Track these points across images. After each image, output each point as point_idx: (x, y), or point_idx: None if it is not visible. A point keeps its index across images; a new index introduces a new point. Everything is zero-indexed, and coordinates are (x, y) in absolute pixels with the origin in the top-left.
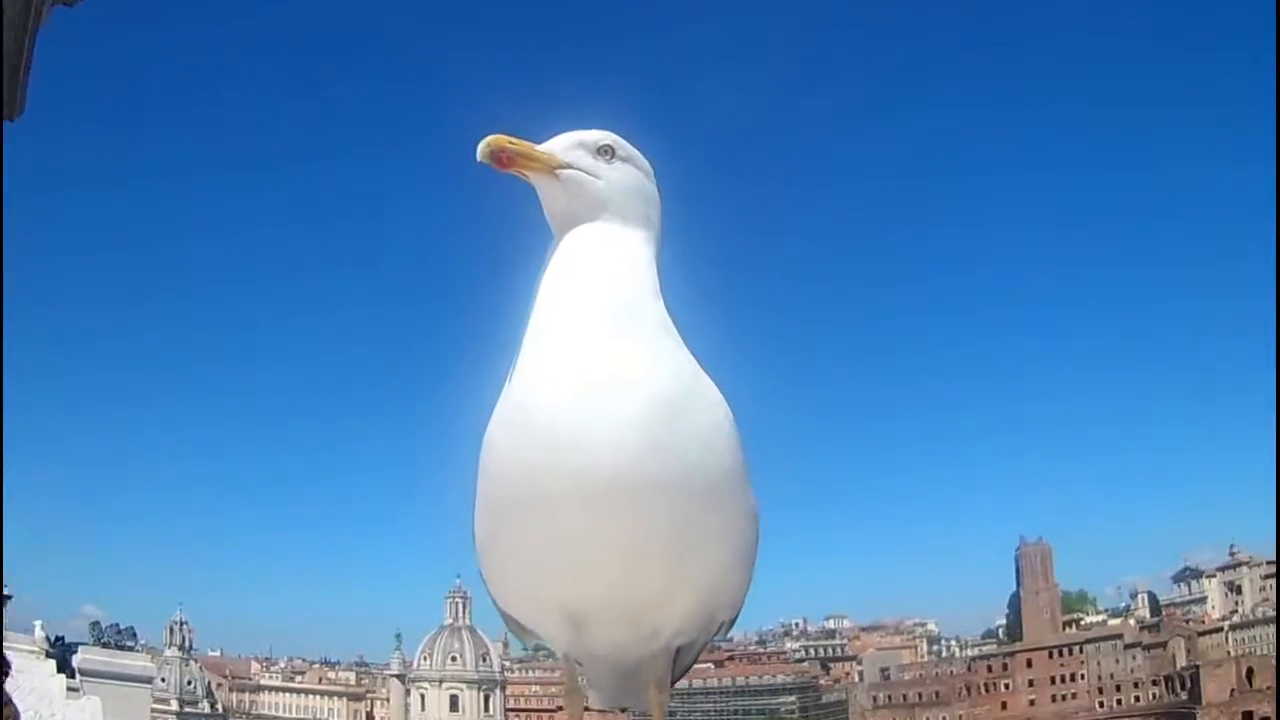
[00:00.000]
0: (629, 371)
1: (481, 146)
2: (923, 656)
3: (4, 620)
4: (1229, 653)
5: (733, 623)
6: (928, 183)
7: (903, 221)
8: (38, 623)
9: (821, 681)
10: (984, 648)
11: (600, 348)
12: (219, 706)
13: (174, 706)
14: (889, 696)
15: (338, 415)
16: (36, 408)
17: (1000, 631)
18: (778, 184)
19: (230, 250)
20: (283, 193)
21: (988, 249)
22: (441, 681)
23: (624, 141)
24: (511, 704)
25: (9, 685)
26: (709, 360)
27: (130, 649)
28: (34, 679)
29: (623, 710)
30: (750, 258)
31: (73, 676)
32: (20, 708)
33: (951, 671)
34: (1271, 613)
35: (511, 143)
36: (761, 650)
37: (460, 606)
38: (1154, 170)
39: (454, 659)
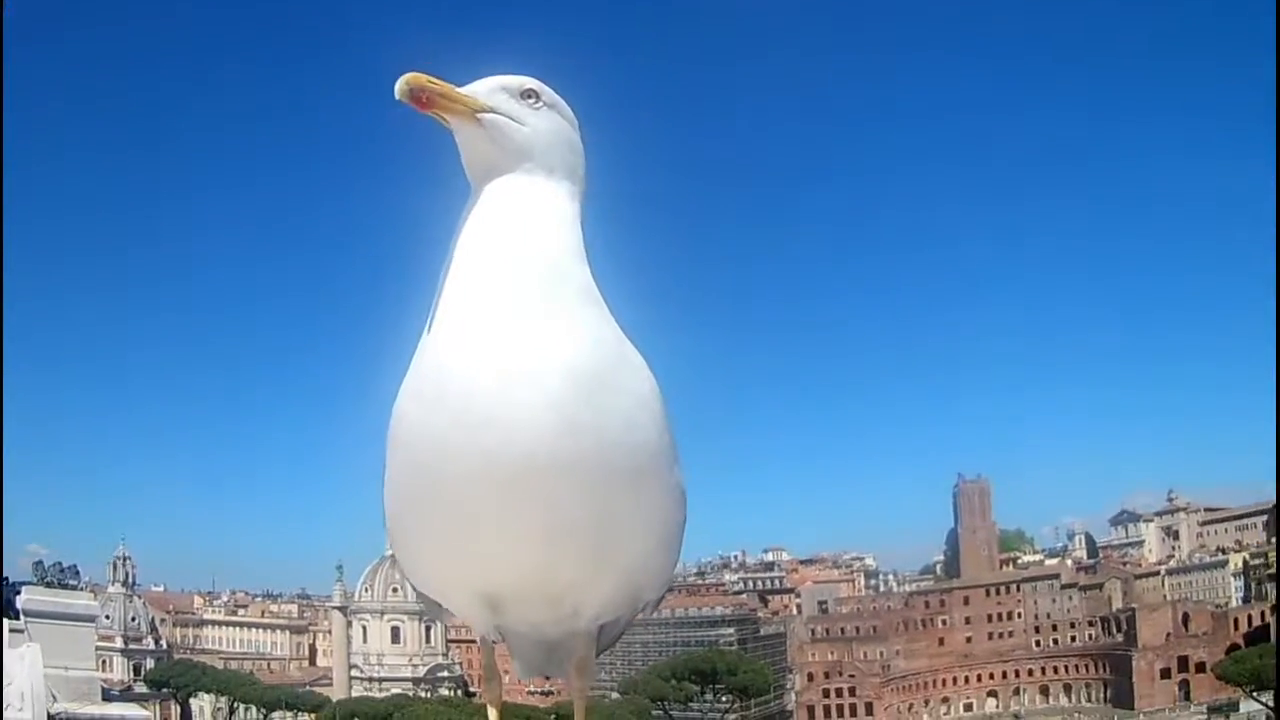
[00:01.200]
0: (549, 344)
1: (400, 84)
2: (860, 591)
3: None
4: (1165, 597)
5: (659, 601)
6: (873, 118)
7: (847, 155)
8: None
9: (760, 614)
10: (922, 583)
11: (519, 317)
12: (163, 642)
13: (118, 644)
14: (826, 630)
15: (272, 346)
16: None
17: (938, 568)
18: (707, 121)
19: (174, 190)
20: (218, 134)
21: (933, 186)
22: (383, 613)
23: (548, 88)
24: (453, 635)
25: None
26: (638, 316)
27: (74, 587)
28: None
29: (546, 679)
30: (681, 191)
31: (17, 618)
32: None
33: (889, 606)
34: (1208, 559)
35: (431, 82)
36: (700, 582)
37: None
38: (1115, 113)
39: (395, 590)
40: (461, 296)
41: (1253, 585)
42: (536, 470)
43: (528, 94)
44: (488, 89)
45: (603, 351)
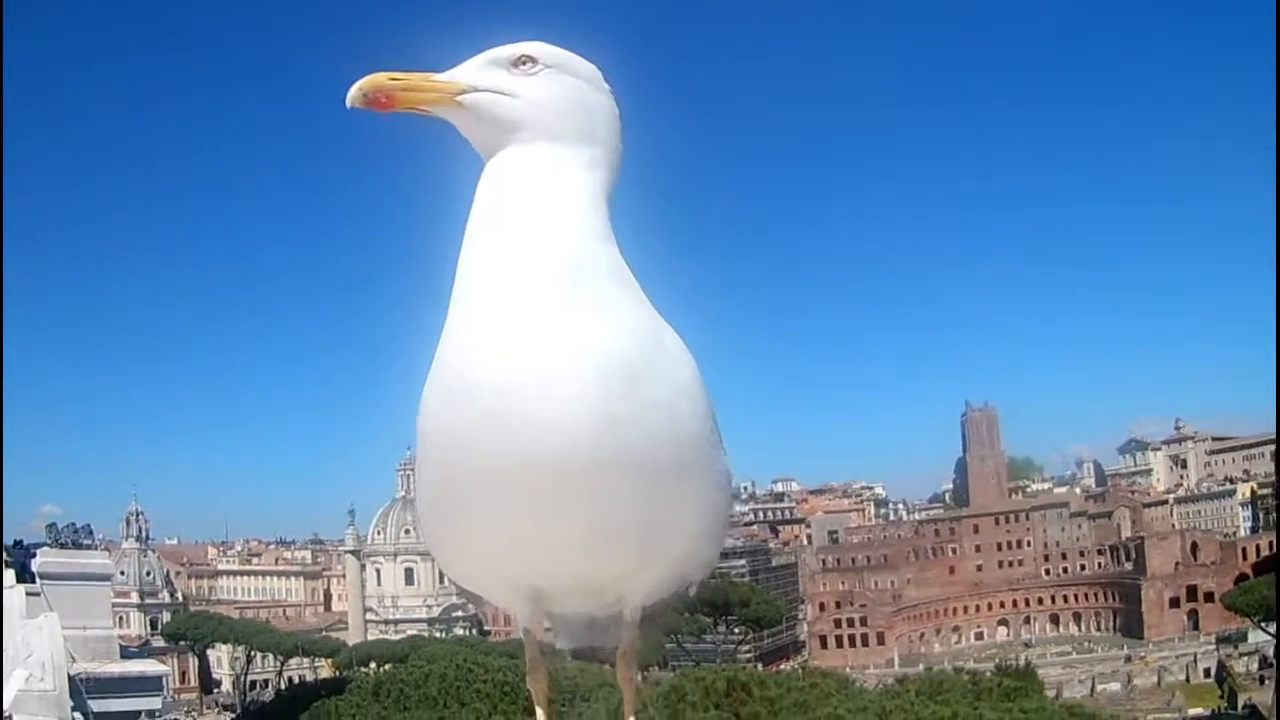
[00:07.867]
0: (579, 335)
1: (352, 92)
2: (870, 520)
3: None
4: (1174, 525)
5: (705, 579)
6: (878, 53)
7: (858, 88)
8: None
9: (771, 545)
10: (931, 512)
11: (543, 307)
12: (179, 594)
13: (134, 599)
14: (837, 560)
15: (280, 296)
16: None
17: (947, 496)
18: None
19: (184, 150)
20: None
21: (941, 118)
22: (396, 555)
23: (552, 48)
24: None
25: None
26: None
27: (88, 546)
28: None
29: (593, 649)
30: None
31: (33, 581)
32: None
33: (899, 535)
34: (1216, 488)
35: (394, 78)
36: None
37: (412, 478)
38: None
39: (407, 532)
40: (474, 287)
41: (1260, 515)
42: (576, 471)
43: (521, 61)
44: (474, 67)
45: (638, 339)
